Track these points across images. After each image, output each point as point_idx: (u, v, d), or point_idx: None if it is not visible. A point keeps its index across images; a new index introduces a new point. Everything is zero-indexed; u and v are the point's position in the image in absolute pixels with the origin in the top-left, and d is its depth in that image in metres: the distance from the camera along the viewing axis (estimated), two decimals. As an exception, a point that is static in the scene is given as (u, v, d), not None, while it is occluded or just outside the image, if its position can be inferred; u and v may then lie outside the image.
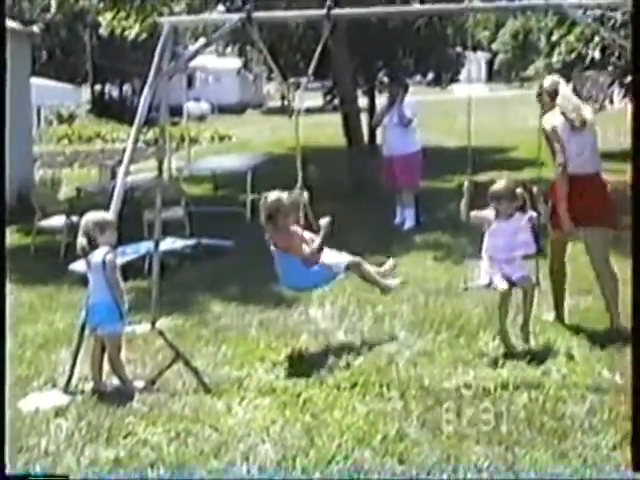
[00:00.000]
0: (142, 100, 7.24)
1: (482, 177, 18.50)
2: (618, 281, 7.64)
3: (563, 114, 7.65)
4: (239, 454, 5.43)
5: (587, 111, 7.90)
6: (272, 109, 53.76)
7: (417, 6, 16.24)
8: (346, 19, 13.16)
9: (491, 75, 77.97)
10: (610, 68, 21.45)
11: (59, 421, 6.06)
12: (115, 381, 6.72)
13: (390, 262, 8.21)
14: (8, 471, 4.82)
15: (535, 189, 7.43)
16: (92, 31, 42.64)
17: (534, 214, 7.43)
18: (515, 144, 23.35)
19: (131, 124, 7.66)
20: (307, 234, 7.57)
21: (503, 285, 7.22)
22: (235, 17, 7.13)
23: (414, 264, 10.83)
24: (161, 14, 16.63)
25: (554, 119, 7.69)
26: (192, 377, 6.81)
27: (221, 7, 20.35)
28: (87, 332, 6.83)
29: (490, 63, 77.09)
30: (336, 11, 7.11)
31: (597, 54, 17.51)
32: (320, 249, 7.41)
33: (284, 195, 7.35)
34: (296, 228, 7.56)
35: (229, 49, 32.69)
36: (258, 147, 26.68)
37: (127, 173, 7.26)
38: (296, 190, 7.62)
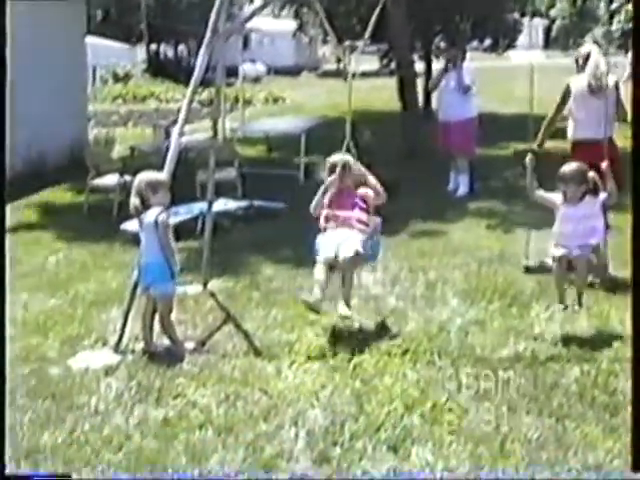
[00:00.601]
0: (199, 60, 7.21)
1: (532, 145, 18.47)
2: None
3: (587, 77, 8.43)
4: (288, 418, 5.42)
5: (610, 79, 8.40)
6: (328, 72, 53.44)
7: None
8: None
9: (548, 42, 76.78)
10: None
11: (109, 380, 6.08)
12: (166, 341, 6.73)
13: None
14: (8, 471, 4.79)
15: (604, 166, 7.06)
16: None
17: (605, 196, 7.06)
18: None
19: (186, 84, 7.65)
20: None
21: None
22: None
23: (467, 231, 10.77)
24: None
25: (577, 81, 8.57)
26: (242, 339, 6.83)
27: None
28: (139, 292, 6.84)
29: (547, 30, 75.83)
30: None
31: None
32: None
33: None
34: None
35: (284, 11, 32.48)
36: (312, 110, 26.57)
37: (182, 133, 7.25)
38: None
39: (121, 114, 25.28)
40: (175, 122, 15.96)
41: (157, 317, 6.69)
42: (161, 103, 28.69)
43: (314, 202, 7.40)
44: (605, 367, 6.14)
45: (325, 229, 7.35)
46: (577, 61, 8.78)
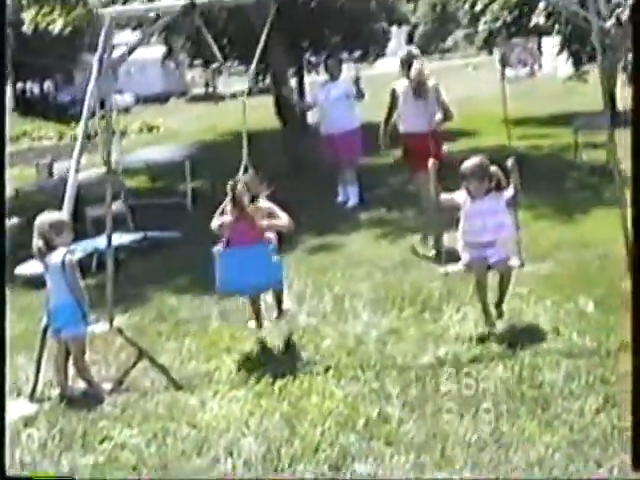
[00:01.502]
0: (88, 94, 7.02)
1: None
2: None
3: (410, 81, 9.60)
4: (222, 450, 5.30)
5: (430, 83, 9.63)
6: (196, 96, 53.29)
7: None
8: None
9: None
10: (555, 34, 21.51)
11: (30, 431, 5.86)
12: (81, 385, 6.53)
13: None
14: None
15: (510, 163, 7.01)
16: (11, 29, 41.72)
17: (511, 192, 7.01)
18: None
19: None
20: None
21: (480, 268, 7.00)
22: (179, 3, 6.94)
23: (364, 242, 10.80)
24: (85, 5, 16.33)
25: (401, 85, 9.80)
26: (159, 374, 6.67)
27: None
28: (49, 335, 6.62)
29: (410, 36, 77.08)
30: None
31: (542, 20, 17.39)
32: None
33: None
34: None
35: (153, 38, 32.16)
36: (188, 136, 26.35)
37: (78, 170, 7.04)
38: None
39: (-7, 156, 24.59)
40: (54, 160, 15.69)
41: (71, 361, 6.48)
42: (34, 142, 28.11)
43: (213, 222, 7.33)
44: (528, 362, 6.19)
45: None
46: (402, 64, 9.85)
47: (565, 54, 22.36)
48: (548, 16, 18.04)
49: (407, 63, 9.75)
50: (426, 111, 9.32)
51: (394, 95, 9.95)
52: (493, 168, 7.01)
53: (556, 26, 17.44)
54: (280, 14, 16.43)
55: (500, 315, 7.13)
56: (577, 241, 9.60)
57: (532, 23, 17.28)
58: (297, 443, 5.26)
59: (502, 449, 4.98)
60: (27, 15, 17.12)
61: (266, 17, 6.65)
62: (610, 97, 20.72)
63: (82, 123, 7.08)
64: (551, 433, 5.12)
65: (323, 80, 13.65)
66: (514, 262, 7.11)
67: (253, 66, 7.73)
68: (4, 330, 4.87)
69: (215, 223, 7.30)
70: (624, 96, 18.83)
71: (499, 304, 7.14)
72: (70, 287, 6.31)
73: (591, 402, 5.49)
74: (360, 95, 12.91)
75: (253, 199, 7.22)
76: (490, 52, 47.03)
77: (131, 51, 6.95)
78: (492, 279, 7.11)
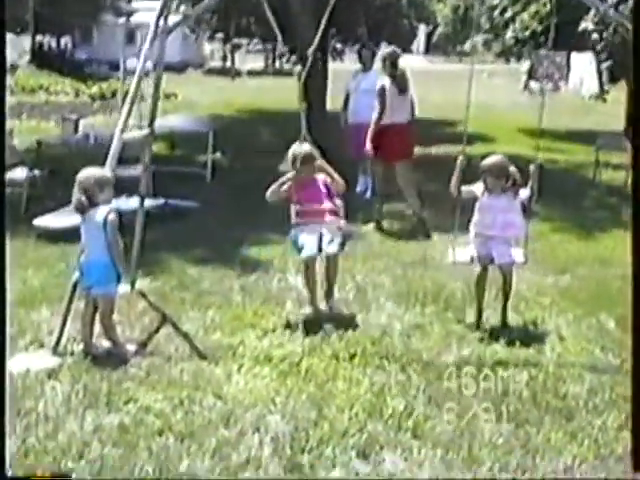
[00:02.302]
0: (142, 56, 7.04)
1: (435, 150, 18.77)
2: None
3: (393, 79, 10.76)
4: (248, 424, 5.31)
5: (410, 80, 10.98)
6: (213, 69, 53.22)
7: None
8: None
9: (428, 48, 78.14)
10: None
11: (53, 384, 5.86)
12: (105, 343, 6.54)
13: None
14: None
15: (532, 167, 7.19)
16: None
17: (526, 196, 7.23)
18: (463, 118, 23.35)
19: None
20: None
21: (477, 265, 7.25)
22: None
23: (384, 234, 10.79)
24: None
25: (384, 81, 10.83)
26: (183, 342, 6.68)
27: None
28: (78, 291, 6.62)
29: (429, 36, 77.15)
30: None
31: (590, 26, 17.22)
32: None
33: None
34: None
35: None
36: (205, 108, 26.28)
37: (124, 130, 7.03)
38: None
39: (11, 106, 24.58)
40: (82, 116, 15.67)
41: (97, 318, 6.48)
42: (50, 96, 28.02)
43: (270, 190, 7.49)
44: (552, 371, 6.22)
45: (299, 225, 7.46)
46: (384, 61, 10.98)
47: (595, 70, 22.37)
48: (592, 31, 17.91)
49: (390, 61, 10.85)
50: (407, 104, 10.93)
51: (384, 93, 10.74)
52: (512, 168, 7.20)
53: (593, 39, 17.28)
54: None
55: (505, 319, 7.26)
56: (595, 258, 9.63)
57: (580, 28, 17.01)
58: (325, 426, 5.27)
59: (529, 455, 5.01)
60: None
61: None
62: (630, 118, 20.81)
63: (134, 83, 7.08)
64: (577, 445, 5.15)
65: (355, 69, 13.58)
66: (519, 258, 7.26)
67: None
68: (4, 324, 4.82)
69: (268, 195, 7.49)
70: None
71: (504, 308, 7.29)
72: (109, 246, 6.29)
73: (614, 418, 5.52)
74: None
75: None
76: (507, 60, 47.07)
77: (200, 19, 6.93)
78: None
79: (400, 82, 10.82)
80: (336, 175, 7.61)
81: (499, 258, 7.16)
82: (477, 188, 7.30)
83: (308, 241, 7.33)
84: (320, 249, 7.34)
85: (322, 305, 7.61)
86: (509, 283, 7.27)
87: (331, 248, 7.37)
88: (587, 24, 16.84)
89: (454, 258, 7.45)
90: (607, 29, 16.67)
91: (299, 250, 7.42)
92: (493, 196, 7.21)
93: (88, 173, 6.41)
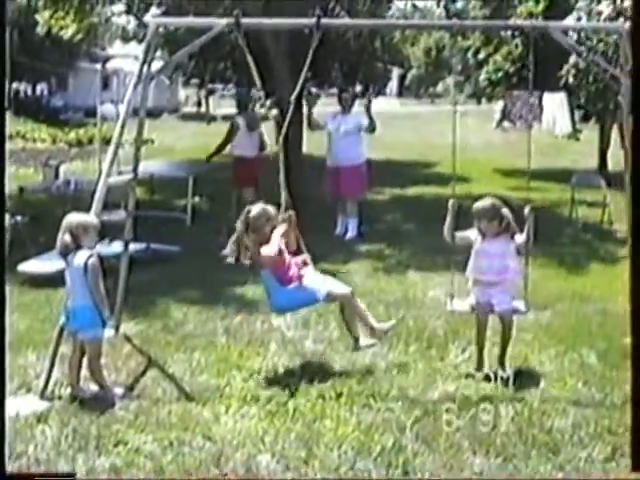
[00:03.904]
0: (126, 101, 7.14)
1: (411, 191, 18.94)
2: None
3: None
4: (239, 464, 5.35)
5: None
6: (187, 115, 53.47)
7: (403, 20, 16.42)
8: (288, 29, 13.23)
9: (401, 90, 78.75)
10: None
11: (42, 427, 5.88)
12: (93, 387, 6.56)
13: (391, 323, 7.68)
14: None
15: (526, 211, 7.10)
16: (12, 28, 41.83)
17: (521, 241, 7.09)
18: (437, 159, 23.57)
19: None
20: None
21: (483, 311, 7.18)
22: (223, 22, 7.05)
23: (364, 274, 10.87)
24: (99, 14, 16.49)
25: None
26: (170, 384, 6.72)
27: (155, 10, 20.16)
28: (65, 335, 6.65)
29: (402, 78, 77.79)
30: (325, 20, 7.10)
31: (571, 78, 17.41)
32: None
33: (269, 207, 7.23)
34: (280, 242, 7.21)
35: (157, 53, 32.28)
36: (182, 153, 26.39)
37: (109, 174, 7.11)
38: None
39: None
40: (62, 162, 15.69)
41: (85, 362, 6.51)
42: (27, 142, 28.09)
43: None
44: (536, 406, 6.30)
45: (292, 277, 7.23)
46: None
47: (567, 110, 22.68)
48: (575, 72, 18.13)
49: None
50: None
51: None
52: (504, 210, 7.13)
53: (569, 82, 17.49)
54: (292, 42, 16.69)
55: (502, 366, 7.16)
56: (575, 294, 9.74)
57: (562, 79, 17.22)
58: (316, 464, 5.32)
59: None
60: (41, 17, 17.14)
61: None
62: (602, 156, 21.07)
63: (117, 129, 7.18)
64: (564, 477, 5.22)
65: (333, 112, 13.72)
66: (520, 306, 7.27)
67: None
68: (4, 329, 4.87)
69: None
70: (615, 156, 19.17)
71: (502, 355, 7.21)
72: (91, 290, 6.33)
73: (599, 451, 5.60)
74: (372, 127, 13.08)
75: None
76: (478, 101, 47.56)
77: (177, 65, 7.04)
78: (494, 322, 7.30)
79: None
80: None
81: (499, 306, 7.11)
82: (471, 233, 7.24)
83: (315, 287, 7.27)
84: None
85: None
86: (508, 331, 7.19)
87: (341, 290, 7.37)
88: (567, 70, 17.04)
89: (452, 307, 7.39)
90: (586, 75, 16.89)
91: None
92: (488, 240, 7.12)
93: (74, 217, 6.47)
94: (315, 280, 7.27)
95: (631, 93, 5.53)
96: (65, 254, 6.44)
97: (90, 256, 6.38)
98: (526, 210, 7.10)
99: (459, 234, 7.28)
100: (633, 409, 4.95)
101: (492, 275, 7.12)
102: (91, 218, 6.62)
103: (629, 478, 4.83)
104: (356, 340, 7.33)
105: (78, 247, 6.38)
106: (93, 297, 6.36)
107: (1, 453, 4.49)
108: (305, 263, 7.42)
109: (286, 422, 5.98)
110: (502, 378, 6.87)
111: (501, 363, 7.19)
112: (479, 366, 7.16)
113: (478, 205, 7.15)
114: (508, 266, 7.15)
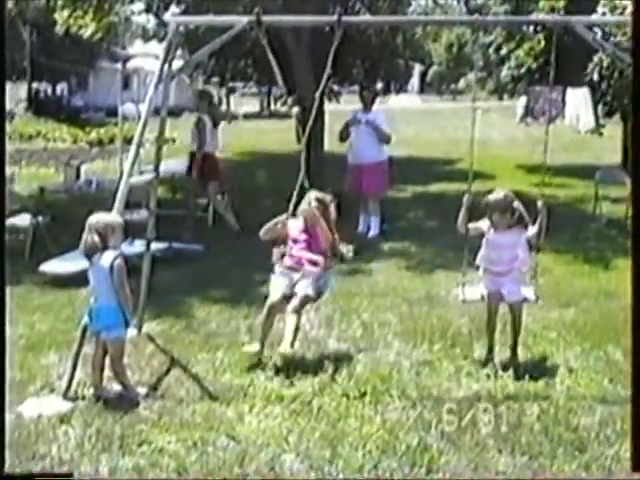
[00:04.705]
0: (148, 100, 7.12)
1: (433, 187, 18.85)
2: None
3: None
4: (263, 464, 5.33)
5: None
6: (208, 113, 53.31)
7: (424, 17, 16.38)
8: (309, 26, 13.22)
9: (422, 87, 78.58)
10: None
11: (65, 428, 5.87)
12: (116, 387, 6.55)
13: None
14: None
15: (539, 204, 7.22)
16: (32, 28, 42.05)
17: (533, 233, 7.22)
18: (459, 156, 23.47)
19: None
20: None
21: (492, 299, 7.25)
22: (244, 20, 7.03)
23: (387, 272, 10.83)
24: (117, 14, 16.48)
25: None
26: (193, 384, 6.70)
27: (175, 8, 20.17)
28: (88, 335, 6.64)
29: (423, 75, 77.61)
30: (347, 18, 7.05)
31: (595, 75, 17.23)
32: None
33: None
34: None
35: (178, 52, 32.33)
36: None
37: (131, 174, 7.10)
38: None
39: (10, 153, 24.71)
40: (83, 162, 15.72)
41: (108, 362, 6.50)
42: (48, 142, 28.18)
43: (264, 228, 7.50)
44: (562, 404, 6.25)
45: (277, 267, 7.47)
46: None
47: (590, 106, 22.50)
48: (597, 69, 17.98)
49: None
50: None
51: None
52: (516, 203, 7.20)
53: (594, 78, 17.31)
54: (313, 40, 16.67)
55: (514, 355, 7.25)
56: (599, 291, 9.67)
57: (587, 76, 17.04)
58: (340, 463, 5.29)
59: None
60: (60, 16, 17.11)
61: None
62: (626, 152, 20.92)
63: (139, 128, 7.17)
64: (590, 475, 5.17)
65: (355, 110, 13.67)
66: (530, 295, 7.31)
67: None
68: (4, 328, 4.86)
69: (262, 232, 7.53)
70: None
71: (514, 345, 7.29)
72: (116, 290, 6.31)
73: (626, 449, 5.53)
74: (387, 138, 13.10)
75: None
76: (500, 97, 47.35)
77: (198, 64, 7.02)
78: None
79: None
80: (329, 234, 7.55)
81: (509, 296, 7.19)
82: (484, 224, 7.32)
83: (277, 285, 7.40)
84: (290, 295, 7.32)
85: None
86: (519, 320, 7.26)
87: (298, 292, 7.32)
88: (593, 67, 16.87)
89: (464, 296, 7.47)
90: (611, 72, 16.72)
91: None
92: (499, 232, 7.22)
93: (100, 217, 6.45)
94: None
95: (632, 93, 5.46)
96: (91, 254, 6.42)
97: (116, 257, 6.35)
98: (539, 203, 7.20)
99: (472, 225, 7.36)
100: (633, 409, 4.88)
101: (502, 266, 7.25)
102: (117, 218, 6.60)
103: (629, 478, 4.77)
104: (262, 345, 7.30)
105: (105, 247, 6.36)
106: (118, 298, 6.34)
107: (1, 453, 4.45)
108: (315, 263, 7.45)
109: (310, 421, 5.97)
110: (514, 367, 6.94)
111: (513, 352, 7.27)
112: (489, 350, 7.26)
113: (490, 198, 7.25)
114: (518, 256, 7.26)
